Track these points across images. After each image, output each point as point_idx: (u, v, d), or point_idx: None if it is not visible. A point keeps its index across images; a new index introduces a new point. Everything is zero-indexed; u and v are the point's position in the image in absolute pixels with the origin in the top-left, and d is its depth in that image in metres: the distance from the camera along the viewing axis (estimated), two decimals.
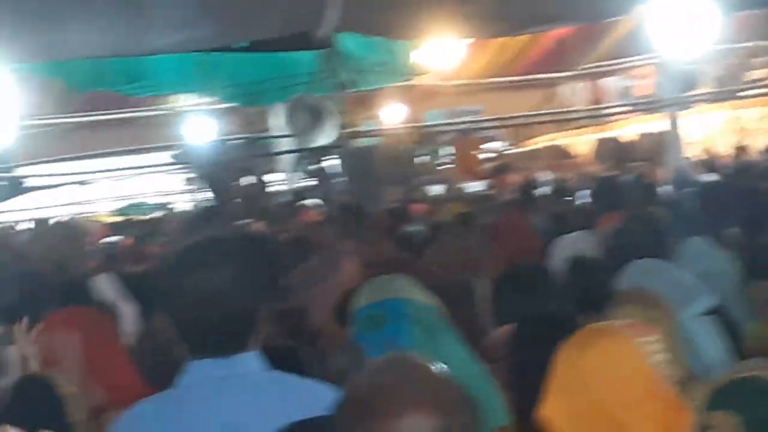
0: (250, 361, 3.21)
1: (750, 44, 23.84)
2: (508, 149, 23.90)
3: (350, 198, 13.93)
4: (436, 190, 15.28)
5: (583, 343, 3.05)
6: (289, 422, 2.82)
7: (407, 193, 14.20)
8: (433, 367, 2.29)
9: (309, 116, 13.39)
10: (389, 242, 7.69)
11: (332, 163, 15.71)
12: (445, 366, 2.33)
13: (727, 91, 19.72)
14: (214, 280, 3.16)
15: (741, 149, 17.40)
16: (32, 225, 16.06)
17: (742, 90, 21.44)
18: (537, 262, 5.69)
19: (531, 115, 22.61)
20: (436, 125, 19.75)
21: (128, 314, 6.05)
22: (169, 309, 3.25)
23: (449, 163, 19.45)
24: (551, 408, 3.01)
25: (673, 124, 14.61)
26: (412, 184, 15.97)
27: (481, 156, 20.13)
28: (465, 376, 3.10)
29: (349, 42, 13.95)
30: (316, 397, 2.84)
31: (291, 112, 13.45)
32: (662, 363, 3.05)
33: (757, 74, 24.07)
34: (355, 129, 15.91)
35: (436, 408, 2.17)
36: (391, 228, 9.03)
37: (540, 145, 25.26)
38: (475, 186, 15.43)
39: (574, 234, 6.95)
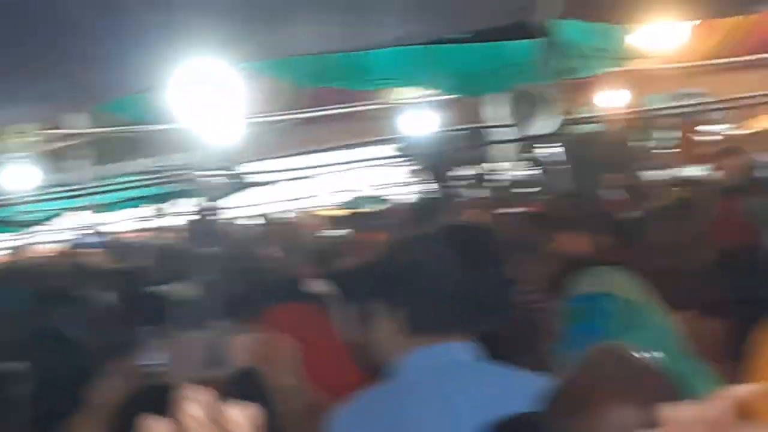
0: (465, 350, 3.28)
1: None
2: (733, 131, 23.33)
3: (573, 186, 13.87)
4: (658, 175, 15.05)
5: None
6: (506, 414, 2.87)
7: (628, 179, 14.03)
8: (644, 359, 2.32)
9: (530, 105, 13.38)
10: (608, 229, 7.64)
11: (554, 151, 15.64)
12: (658, 356, 2.35)
13: None
14: (447, 270, 3.23)
15: None
16: (256, 221, 16.53)
17: None
18: (757, 245, 5.59)
19: (756, 96, 22.01)
20: (657, 109, 19.44)
21: (344, 308, 6.16)
22: (394, 299, 3.33)
23: (672, 148, 19.12)
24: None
25: None
26: (634, 169, 15.77)
27: (705, 139, 19.73)
28: (674, 368, 3.11)
29: (567, 29, 13.87)
30: (530, 388, 2.90)
31: (513, 102, 13.46)
32: None
33: None
34: (576, 116, 15.83)
35: (646, 400, 2.19)
36: (610, 215, 8.97)
37: (765, 127, 24.56)
38: (698, 170, 15.13)
39: None
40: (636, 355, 2.33)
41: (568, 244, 6.13)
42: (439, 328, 3.30)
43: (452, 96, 18.67)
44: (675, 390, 2.25)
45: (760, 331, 3.01)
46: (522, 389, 2.95)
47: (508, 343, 4.02)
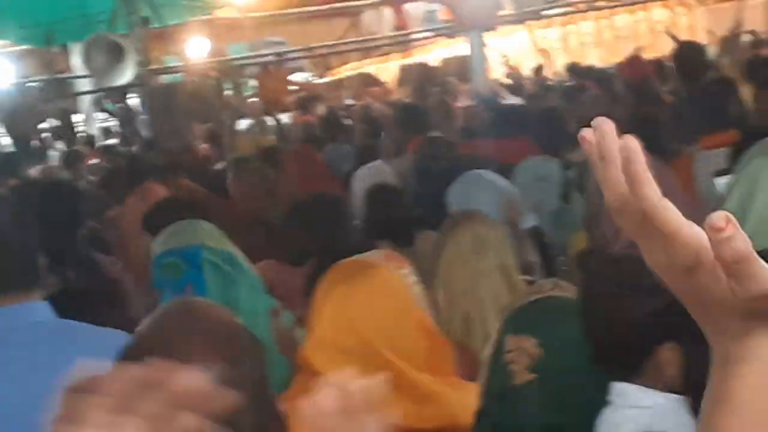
0: (38, 310, 3.11)
1: None
2: (315, 79, 23.80)
3: (155, 136, 13.70)
4: (243, 124, 15.10)
5: (344, 279, 3.02)
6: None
7: (212, 128, 13.99)
8: (221, 314, 2.23)
9: (107, 55, 13.07)
10: (192, 179, 7.57)
11: (135, 101, 15.40)
12: (235, 313, 2.27)
13: (528, 12, 19.95)
14: (19, 226, 3.06)
15: (539, 70, 17.68)
16: None
17: (544, 9, 21.72)
18: (333, 193, 5.66)
19: (336, 44, 22.54)
20: (239, 58, 19.51)
21: None
22: None
23: (255, 97, 19.24)
24: (315, 346, 2.97)
25: (478, 46, 14.69)
26: (219, 119, 15.77)
27: (288, 87, 19.96)
28: (258, 324, 3.04)
29: None
30: (107, 343, 2.76)
31: (88, 52, 13.10)
32: (419, 294, 3.05)
33: None
34: (157, 66, 15.62)
35: (222, 356, 2.10)
36: (194, 165, 8.91)
37: (346, 74, 25.23)
38: (282, 118, 15.28)
39: (374, 163, 6.96)
40: (212, 309, 2.23)
41: (152, 194, 5.99)
42: (12, 287, 3.10)
43: (27, 46, 18.06)
44: (255, 346, 2.17)
45: (323, 277, 3.01)
46: (103, 346, 2.82)
47: (91, 300, 3.88)
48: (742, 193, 3.56)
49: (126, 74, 12.94)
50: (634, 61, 9.32)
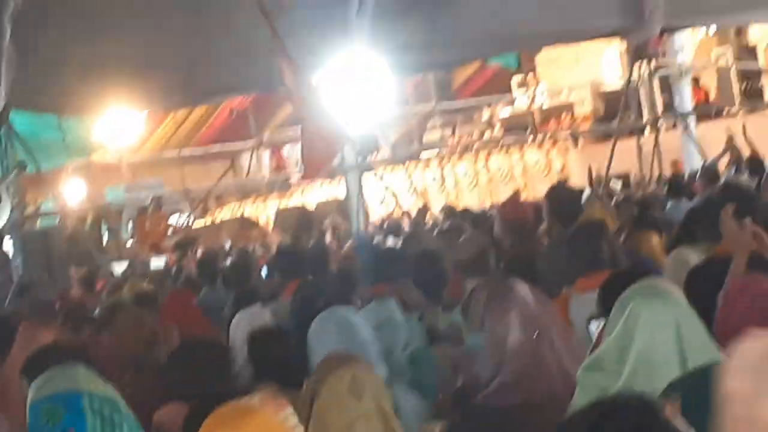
0: None
1: (424, 107, 24.67)
2: (193, 222, 23.75)
3: (29, 281, 13.49)
4: (121, 267, 14.97)
5: (223, 424, 3.00)
6: None
7: (91, 272, 13.83)
8: None
9: None
10: (70, 325, 7.45)
11: (9, 246, 15.18)
12: None
13: (405, 153, 20.26)
14: None
15: (422, 210, 17.84)
16: None
17: (420, 152, 22.10)
18: (213, 337, 5.63)
19: (214, 187, 22.58)
20: (117, 201, 19.43)
21: None
22: None
23: (132, 239, 19.15)
24: None
25: (355, 188, 14.84)
26: (97, 262, 15.60)
27: (165, 230, 19.90)
28: None
29: (21, 120, 13.58)
30: None
31: None
32: None
33: (432, 136, 24.89)
34: (33, 210, 15.47)
35: None
36: (71, 310, 8.77)
37: (224, 217, 25.24)
38: (159, 261, 15.20)
39: (252, 307, 6.94)
40: None
41: (34, 339, 5.88)
42: None
43: None
44: None
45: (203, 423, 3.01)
46: None
47: None
48: (620, 334, 3.61)
49: (2, 218, 12.80)
50: (511, 203, 9.49)
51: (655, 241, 7.54)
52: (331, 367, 4.11)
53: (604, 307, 4.44)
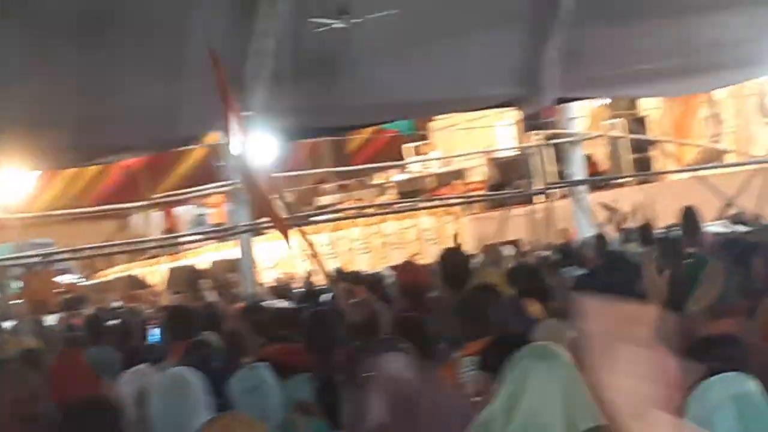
0: None
1: (318, 171, 24.70)
2: (82, 281, 23.42)
3: None
4: (6, 325, 14.66)
5: None
6: None
7: None
8: None
9: None
10: None
11: None
12: None
13: (298, 217, 20.19)
14: None
15: (309, 275, 17.80)
16: None
17: (313, 215, 22.04)
18: (104, 397, 5.53)
19: (104, 246, 22.29)
20: (4, 258, 19.06)
21: None
22: None
23: (20, 298, 18.78)
24: None
25: (247, 250, 14.79)
26: None
27: (54, 289, 19.58)
28: None
29: None
30: None
31: None
32: None
33: (325, 200, 24.90)
34: None
35: None
36: None
37: (114, 276, 24.92)
38: (48, 320, 14.92)
39: (139, 367, 6.85)
40: None
41: None
42: None
43: None
44: None
45: None
46: None
47: None
48: (508, 395, 3.63)
49: None
50: (405, 267, 9.52)
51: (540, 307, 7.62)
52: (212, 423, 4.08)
53: (484, 371, 4.51)
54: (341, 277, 14.95)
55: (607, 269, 8.04)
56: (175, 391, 4.88)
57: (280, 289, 15.19)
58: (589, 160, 23.80)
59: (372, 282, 11.66)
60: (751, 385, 3.51)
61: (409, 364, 4.33)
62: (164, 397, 4.86)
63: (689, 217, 11.46)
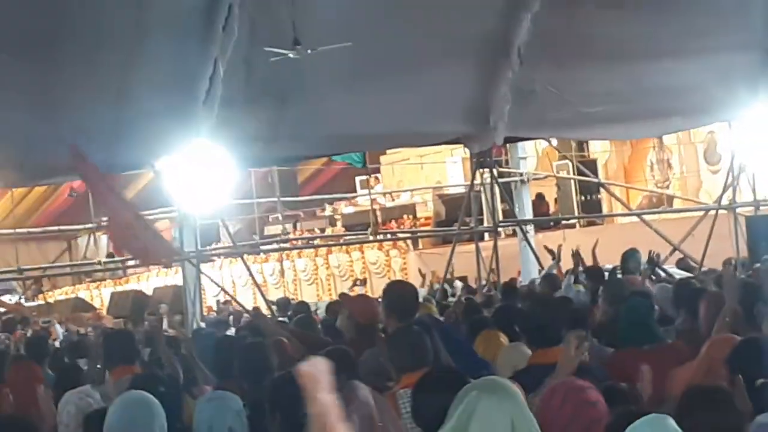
0: None
1: (267, 200, 24.67)
2: (25, 302, 23.24)
3: None
4: None
5: None
6: None
7: None
8: None
9: None
10: None
11: None
12: None
13: (245, 245, 20.15)
14: None
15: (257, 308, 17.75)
16: None
17: (261, 244, 22.01)
18: (22, 416, 5.55)
19: (48, 267, 22.16)
20: None
21: None
22: None
23: None
24: None
25: (192, 276, 14.71)
26: None
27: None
28: None
29: None
30: None
31: None
32: None
33: (272, 229, 24.88)
34: None
35: None
36: None
37: (59, 297, 24.77)
38: None
39: (82, 388, 6.84)
40: None
41: None
42: None
43: None
44: None
45: None
46: None
47: None
48: (455, 427, 3.65)
49: None
50: (359, 299, 9.55)
51: (493, 339, 7.71)
52: None
53: (415, 408, 4.55)
54: (280, 306, 14.95)
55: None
56: (136, 411, 4.87)
57: (221, 319, 15.13)
58: (541, 200, 23.97)
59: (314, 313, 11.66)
60: (672, 424, 3.59)
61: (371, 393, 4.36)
62: (123, 418, 4.85)
63: (631, 260, 11.55)
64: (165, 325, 14.52)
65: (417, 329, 6.06)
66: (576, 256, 12.54)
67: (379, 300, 7.85)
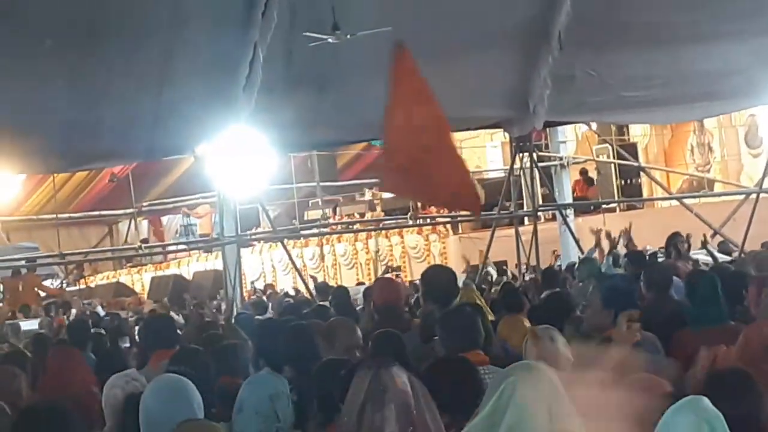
0: None
1: (306, 184, 24.73)
2: (67, 286, 23.39)
3: None
4: None
5: None
6: None
7: None
8: None
9: None
10: None
11: None
12: None
13: (285, 230, 20.21)
14: None
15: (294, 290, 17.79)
16: None
17: (301, 229, 22.08)
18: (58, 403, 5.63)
19: (90, 252, 22.29)
20: None
21: None
22: None
23: (3, 301, 18.81)
24: None
25: (233, 261, 14.76)
26: None
27: (38, 293, 19.59)
28: None
29: None
30: None
31: None
32: None
33: (312, 214, 24.93)
34: None
35: None
36: None
37: (100, 282, 24.92)
38: (32, 324, 14.91)
39: (129, 371, 6.88)
40: None
41: None
42: None
43: None
44: None
45: None
46: None
47: None
48: (492, 410, 3.65)
49: None
50: (386, 283, 9.56)
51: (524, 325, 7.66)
52: None
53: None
54: (319, 290, 14.95)
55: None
56: (171, 394, 4.91)
57: (260, 303, 15.15)
58: (580, 184, 23.91)
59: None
60: (710, 405, 3.57)
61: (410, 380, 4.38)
62: (159, 400, 4.90)
63: (675, 244, 11.53)
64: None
65: (469, 310, 6.09)
66: (626, 234, 12.51)
67: (416, 283, 7.87)
